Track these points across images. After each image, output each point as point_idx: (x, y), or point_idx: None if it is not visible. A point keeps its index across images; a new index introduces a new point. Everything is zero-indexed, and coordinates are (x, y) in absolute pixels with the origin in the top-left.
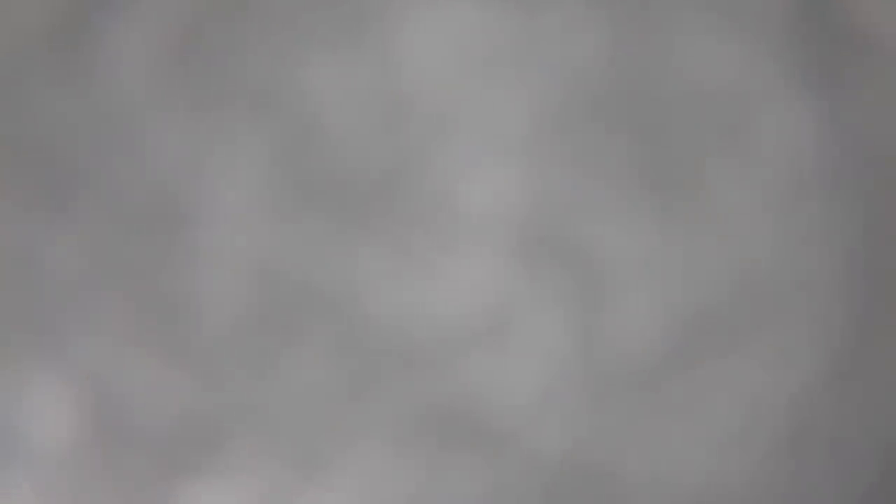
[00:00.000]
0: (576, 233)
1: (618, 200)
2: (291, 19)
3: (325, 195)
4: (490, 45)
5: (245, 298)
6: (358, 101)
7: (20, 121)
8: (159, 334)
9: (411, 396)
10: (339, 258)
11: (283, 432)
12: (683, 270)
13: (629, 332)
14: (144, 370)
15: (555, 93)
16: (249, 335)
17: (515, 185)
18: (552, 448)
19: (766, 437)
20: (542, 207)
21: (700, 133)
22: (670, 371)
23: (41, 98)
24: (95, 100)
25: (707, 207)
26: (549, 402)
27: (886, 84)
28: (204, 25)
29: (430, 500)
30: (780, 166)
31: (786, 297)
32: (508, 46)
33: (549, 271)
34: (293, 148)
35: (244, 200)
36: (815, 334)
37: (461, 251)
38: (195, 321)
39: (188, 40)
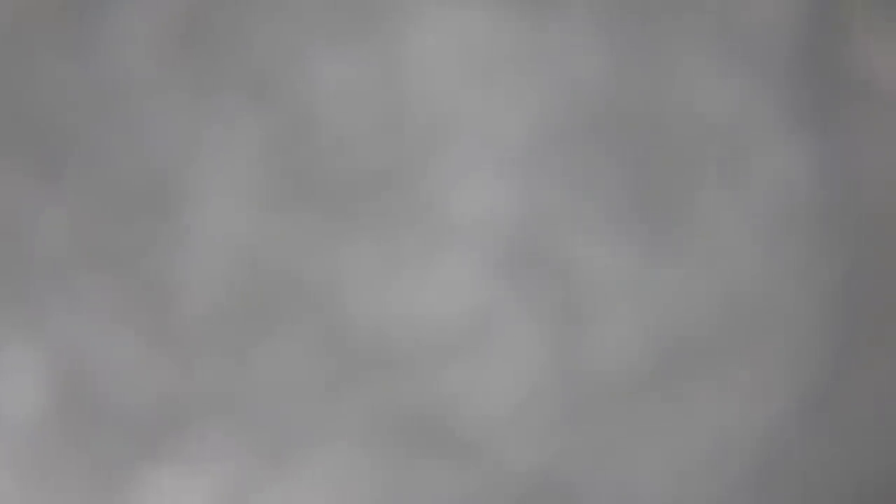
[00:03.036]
0: (563, 249)
1: (607, 221)
2: (298, 11)
3: (317, 190)
4: (495, 55)
5: (228, 287)
6: (358, 99)
7: (19, 91)
8: (139, 315)
9: (385, 398)
10: (326, 254)
11: (255, 423)
12: (666, 295)
13: (607, 352)
14: (121, 350)
15: (554, 109)
16: (229, 324)
17: (507, 196)
18: (521, 461)
19: (735, 466)
20: (532, 221)
21: (694, 162)
22: (644, 393)
23: (42, 69)
24: (95, 75)
25: (694, 236)
26: (522, 416)
27: (880, 127)
28: (210, 10)
29: (396, 503)
30: (770, 202)
31: (765, 329)
32: (513, 57)
33: (533, 285)
34: (289, 140)
35: (235, 188)
36: (790, 367)
37: (447, 258)
38: (176, 305)
39: (193, 24)
